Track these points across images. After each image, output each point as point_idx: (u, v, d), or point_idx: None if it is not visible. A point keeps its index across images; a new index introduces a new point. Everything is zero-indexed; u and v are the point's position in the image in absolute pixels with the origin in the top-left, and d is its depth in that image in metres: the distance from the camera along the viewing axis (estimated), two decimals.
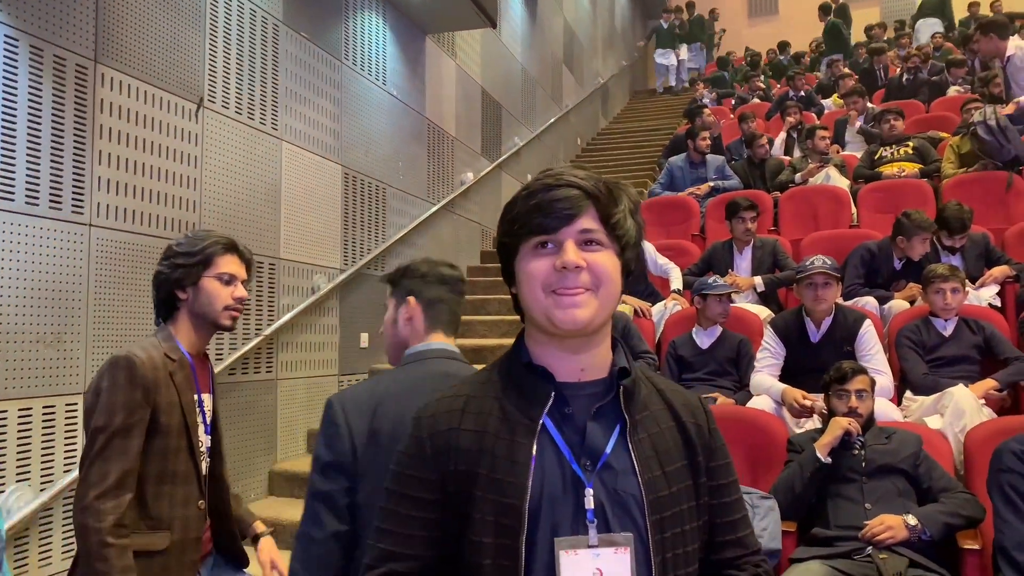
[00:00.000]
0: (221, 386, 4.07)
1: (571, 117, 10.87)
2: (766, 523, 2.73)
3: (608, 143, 11.58)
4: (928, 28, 11.90)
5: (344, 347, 5.32)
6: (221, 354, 4.15)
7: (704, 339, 4.04)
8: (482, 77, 7.85)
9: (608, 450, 1.03)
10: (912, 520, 2.52)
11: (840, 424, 2.75)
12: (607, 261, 1.02)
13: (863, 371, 2.93)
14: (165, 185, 3.81)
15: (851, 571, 2.49)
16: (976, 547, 2.51)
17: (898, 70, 9.39)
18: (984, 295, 4.17)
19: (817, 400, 3.42)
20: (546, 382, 1.05)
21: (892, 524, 2.50)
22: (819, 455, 2.72)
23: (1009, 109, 5.23)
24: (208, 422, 2.15)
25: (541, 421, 1.04)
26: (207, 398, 2.16)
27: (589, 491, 1.01)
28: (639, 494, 1.01)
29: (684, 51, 14.48)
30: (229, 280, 2.10)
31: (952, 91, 8.59)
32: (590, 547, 0.99)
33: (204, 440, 2.12)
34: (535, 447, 1.02)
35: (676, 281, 4.93)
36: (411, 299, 1.82)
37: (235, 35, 4.35)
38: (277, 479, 4.49)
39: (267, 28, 4.63)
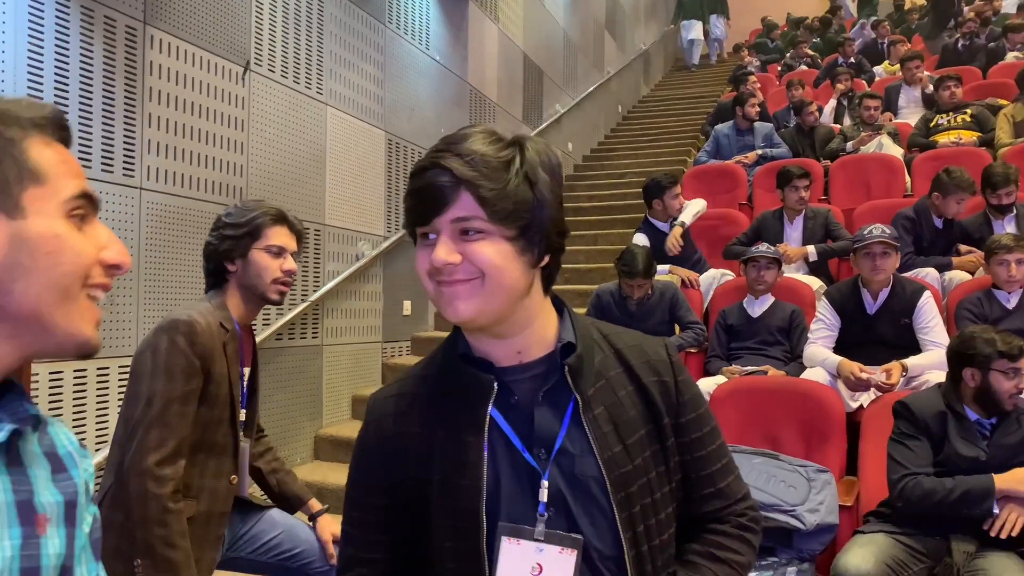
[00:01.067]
0: (268, 351, 4.10)
1: (612, 84, 10.68)
2: (823, 496, 2.68)
3: (650, 111, 11.37)
4: None
5: (388, 314, 5.32)
6: (268, 319, 4.17)
7: (755, 308, 3.96)
8: (524, 41, 7.72)
9: (561, 434, 0.98)
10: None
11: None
12: (489, 250, 0.91)
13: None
14: (212, 149, 3.80)
15: (919, 547, 2.42)
16: None
17: (956, 36, 9.04)
18: None
19: (874, 373, 3.34)
20: (485, 372, 0.99)
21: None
22: (995, 486, 2.43)
23: None
24: (243, 397, 2.12)
25: (488, 414, 0.98)
26: (247, 372, 2.14)
27: (544, 483, 0.96)
28: (599, 475, 0.96)
29: (716, 23, 13.49)
30: (278, 252, 2.05)
31: (1011, 57, 8.26)
32: (535, 540, 0.95)
33: (240, 415, 2.09)
34: (485, 444, 0.97)
35: (686, 213, 4.83)
36: None
37: None
38: (323, 444, 4.53)
39: None
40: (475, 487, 0.96)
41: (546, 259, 0.99)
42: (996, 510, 2.38)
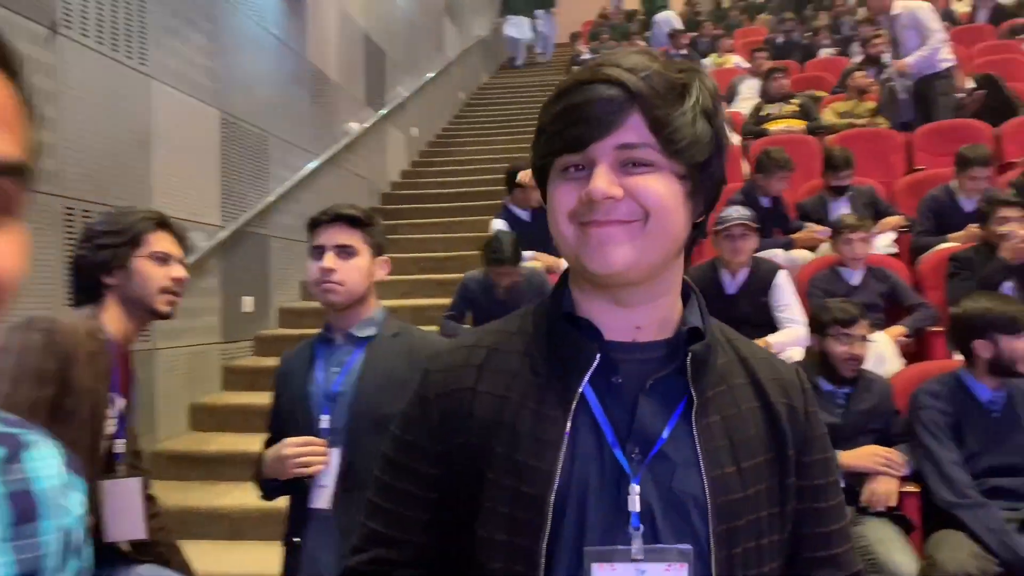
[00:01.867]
0: None
1: (453, 70, 10.51)
2: None
3: (492, 98, 11.31)
4: None
5: (226, 312, 4.85)
6: None
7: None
8: (365, 20, 7.36)
9: (665, 435, 0.80)
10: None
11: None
12: (659, 186, 0.76)
13: (865, 316, 2.83)
14: None
15: None
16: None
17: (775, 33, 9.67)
18: (881, 244, 4.31)
19: None
20: (590, 340, 0.82)
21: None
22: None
23: (901, 67, 5.41)
24: (120, 427, 1.84)
25: (580, 390, 0.80)
26: (119, 399, 1.84)
27: (635, 487, 0.78)
28: (702, 495, 0.78)
29: (543, 18, 12.61)
30: (164, 259, 1.85)
31: (822, 53, 8.94)
32: (633, 560, 0.77)
33: (116, 445, 1.83)
34: (569, 424, 0.79)
35: None
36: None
37: None
38: (159, 461, 4.03)
39: None
40: (547, 471, 0.78)
41: (703, 216, 0.83)
42: (843, 483, 2.49)
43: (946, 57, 5.56)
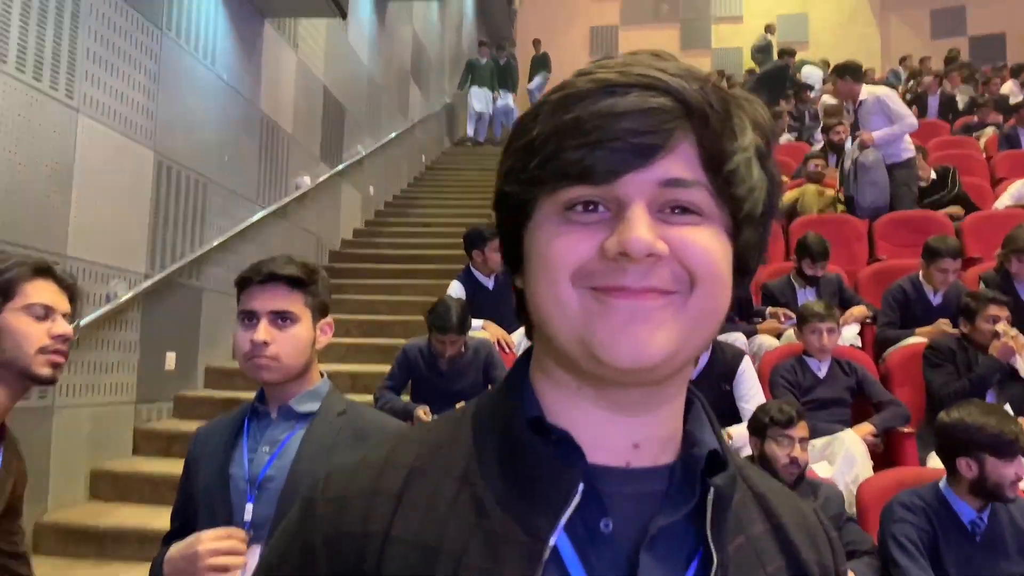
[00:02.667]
0: None
1: (417, 131, 10.38)
2: None
3: (456, 162, 11.22)
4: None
5: (145, 369, 4.44)
6: None
7: None
8: (325, 74, 7.17)
9: None
10: None
11: None
12: (712, 244, 0.54)
13: (805, 416, 2.66)
14: None
15: None
16: None
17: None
18: (846, 335, 4.11)
19: None
20: (569, 464, 0.55)
21: None
22: None
23: (867, 138, 5.36)
24: None
25: (552, 542, 0.53)
26: None
27: None
28: None
29: (504, 97, 12.25)
30: (44, 314, 1.55)
31: (783, 139, 9.03)
32: None
33: None
34: None
35: None
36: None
37: None
38: (46, 534, 3.57)
39: None
40: None
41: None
42: None
43: (908, 147, 5.55)
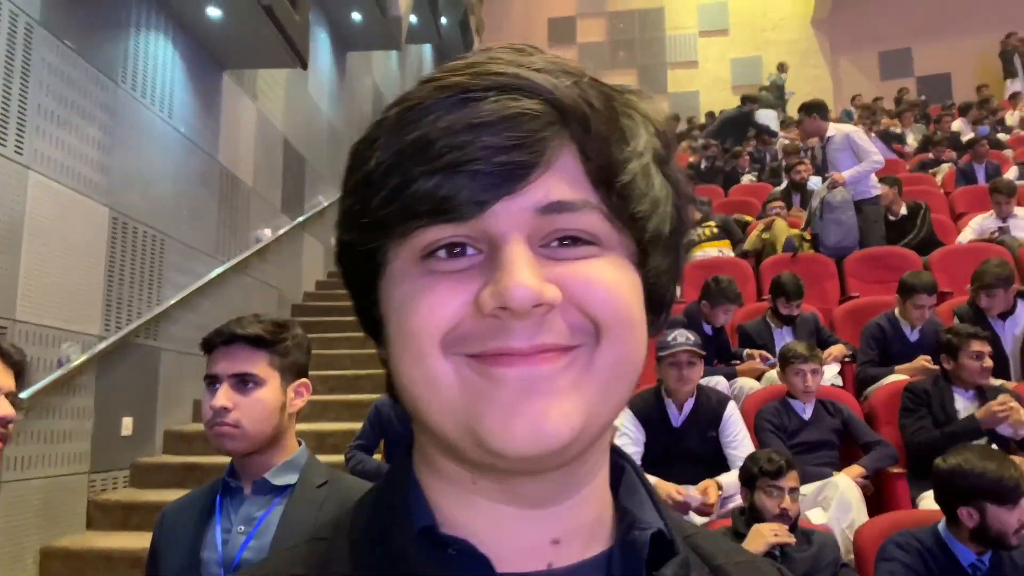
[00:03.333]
0: None
1: None
2: None
3: None
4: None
5: (100, 436, 4.20)
6: None
7: None
8: (285, 125, 7.06)
9: None
10: None
11: (767, 540, 2.30)
12: (614, 278, 0.43)
13: (794, 465, 2.57)
14: None
15: None
16: None
17: (698, 158, 9.87)
18: (827, 374, 4.05)
19: (691, 494, 3.02)
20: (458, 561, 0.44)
21: None
22: None
23: (839, 178, 5.38)
24: None
25: None
26: None
27: None
28: None
29: None
30: None
31: (745, 179, 9.13)
32: None
33: None
34: None
35: None
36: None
37: None
38: None
39: (16, 26, 3.63)
40: None
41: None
42: None
43: (875, 184, 5.60)
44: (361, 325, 0.49)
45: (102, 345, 4.13)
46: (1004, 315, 4.08)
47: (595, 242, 0.42)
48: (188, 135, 5.25)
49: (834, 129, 5.59)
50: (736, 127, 10.65)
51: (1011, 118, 10.63)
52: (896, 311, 4.19)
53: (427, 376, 0.42)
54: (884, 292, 4.86)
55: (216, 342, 1.48)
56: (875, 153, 5.52)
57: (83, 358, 3.95)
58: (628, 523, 0.47)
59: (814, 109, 5.59)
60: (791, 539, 2.36)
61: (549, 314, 0.40)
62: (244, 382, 1.45)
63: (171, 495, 1.58)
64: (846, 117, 11.05)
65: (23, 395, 3.50)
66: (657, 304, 0.47)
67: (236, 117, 6.02)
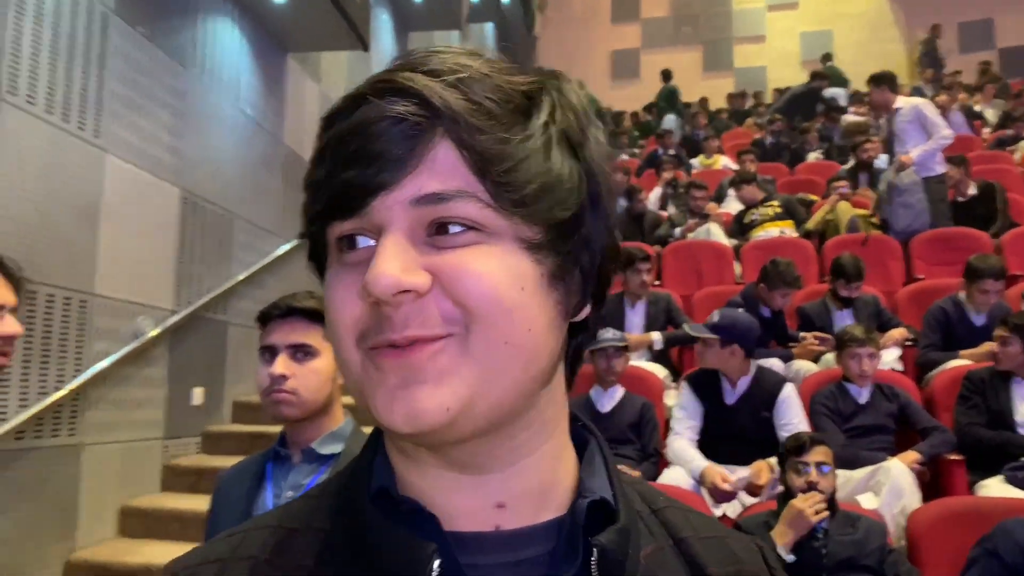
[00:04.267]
0: (2, 456, 3.15)
1: None
2: None
3: None
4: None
5: (172, 405, 4.42)
6: (5, 413, 3.22)
7: (604, 402, 3.56)
8: None
9: None
10: None
11: (805, 515, 2.30)
12: (488, 266, 0.45)
13: (824, 441, 2.57)
14: None
15: None
16: None
17: (763, 134, 9.66)
18: (886, 359, 3.98)
19: (737, 481, 3.03)
20: (422, 537, 0.47)
21: None
22: (781, 553, 2.25)
23: (906, 160, 5.21)
24: None
25: None
26: None
27: None
28: None
29: None
30: None
31: (811, 157, 8.89)
32: None
33: None
34: None
35: None
36: None
37: (50, 17, 3.51)
38: (75, 573, 3.53)
39: (93, 15, 3.81)
40: None
41: (586, 309, 0.52)
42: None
43: (941, 161, 5.41)
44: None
45: (174, 319, 4.34)
46: None
47: (477, 228, 0.45)
48: (254, 117, 5.42)
49: (903, 101, 5.41)
50: (804, 103, 10.37)
51: None
52: (962, 295, 4.07)
53: (344, 362, 0.47)
54: (951, 274, 4.71)
55: (273, 315, 1.55)
56: (944, 127, 5.32)
57: (156, 331, 4.16)
58: (579, 489, 0.51)
59: (883, 80, 5.41)
60: (816, 513, 2.33)
61: (421, 301, 0.44)
62: (301, 352, 1.52)
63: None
64: (917, 94, 10.62)
65: (104, 364, 3.73)
66: (578, 286, 0.49)
67: (300, 99, 6.18)
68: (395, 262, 0.43)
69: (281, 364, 1.51)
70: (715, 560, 0.54)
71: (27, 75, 3.36)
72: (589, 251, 0.49)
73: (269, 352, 1.54)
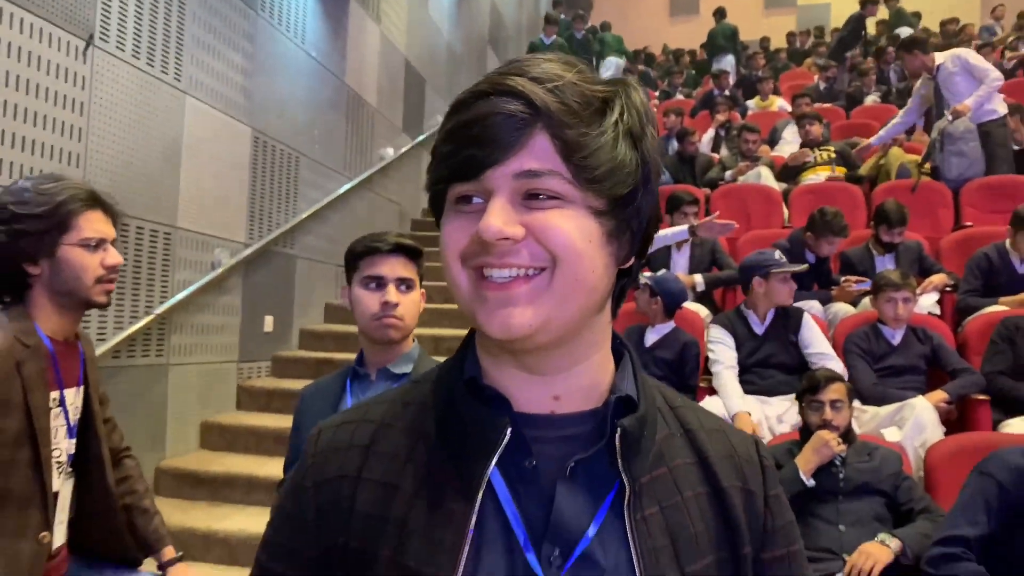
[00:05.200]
0: (102, 371, 3.52)
1: None
2: None
3: None
4: None
5: (246, 331, 4.79)
6: (104, 334, 3.59)
7: (651, 336, 3.78)
8: (406, 47, 7.37)
9: (591, 533, 0.65)
10: (894, 543, 2.31)
11: (828, 444, 2.51)
12: (568, 224, 0.62)
13: (838, 379, 2.73)
14: (45, 134, 3.22)
15: None
16: None
17: (820, 77, 9.49)
18: (924, 303, 4.09)
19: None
20: (499, 414, 0.67)
21: (873, 552, 2.29)
22: (803, 478, 2.48)
23: (963, 109, 5.17)
24: (73, 423, 1.69)
25: (486, 476, 0.65)
26: (72, 393, 1.70)
27: None
28: None
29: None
30: (97, 244, 1.65)
31: (869, 100, 8.73)
32: None
33: (66, 447, 1.67)
34: (473, 520, 0.65)
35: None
36: None
37: None
38: (165, 478, 3.95)
39: None
40: None
41: (632, 260, 0.70)
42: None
43: (1000, 103, 5.33)
44: None
45: (247, 251, 4.67)
46: None
47: (559, 197, 0.62)
48: (319, 59, 5.64)
49: (941, 57, 5.33)
50: (850, 39, 10.04)
51: None
52: (1007, 242, 4.13)
53: (454, 279, 0.65)
54: (1002, 223, 4.70)
55: (382, 249, 1.72)
56: (992, 70, 5.23)
57: (232, 262, 4.50)
58: (612, 389, 0.71)
59: (914, 45, 5.32)
60: (839, 444, 2.50)
61: (515, 246, 0.61)
62: (404, 285, 1.73)
63: (305, 385, 1.94)
64: (986, 35, 10.24)
65: (186, 292, 4.07)
66: (627, 243, 0.67)
67: (362, 40, 6.36)
68: (500, 217, 0.61)
69: (393, 293, 1.70)
70: (715, 447, 0.72)
71: (116, 22, 3.63)
72: (639, 218, 0.67)
73: (376, 282, 1.72)
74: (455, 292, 0.66)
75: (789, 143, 7.13)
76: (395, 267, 1.72)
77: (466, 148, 0.62)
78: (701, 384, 3.66)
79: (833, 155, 6.22)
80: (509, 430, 0.65)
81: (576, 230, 0.62)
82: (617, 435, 0.66)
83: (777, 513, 0.73)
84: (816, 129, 6.32)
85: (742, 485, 0.71)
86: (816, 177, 6.04)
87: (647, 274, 3.84)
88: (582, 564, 0.64)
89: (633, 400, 0.69)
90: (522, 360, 0.67)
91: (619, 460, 0.66)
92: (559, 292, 0.62)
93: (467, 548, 0.63)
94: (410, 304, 1.73)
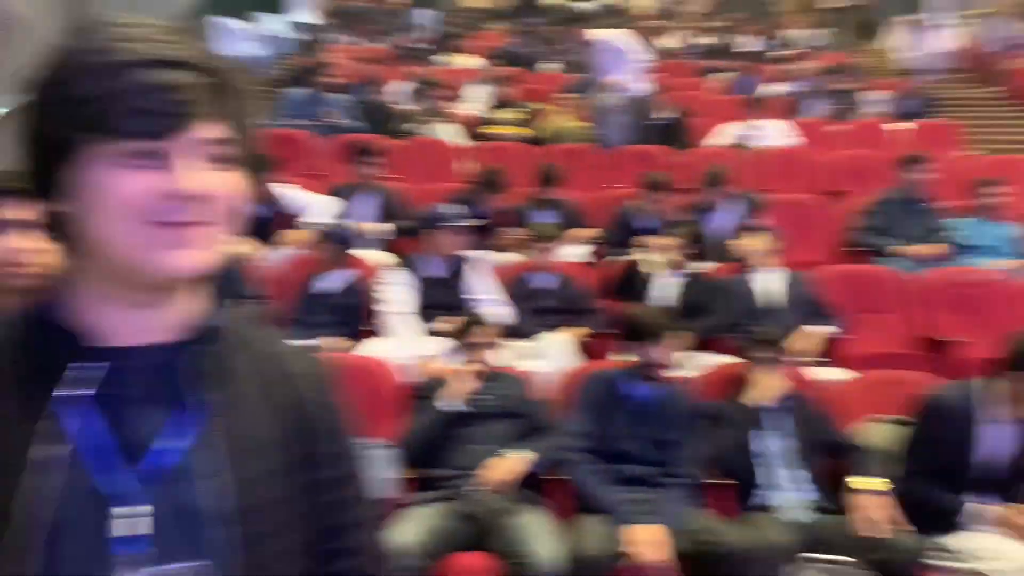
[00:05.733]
0: None
1: None
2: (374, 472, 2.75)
3: None
4: None
5: None
6: None
7: (322, 283, 3.94)
8: None
9: (165, 446, 0.73)
10: (520, 457, 2.74)
11: (464, 376, 2.88)
12: (237, 185, 0.73)
13: (479, 323, 3.10)
14: None
15: (460, 510, 2.63)
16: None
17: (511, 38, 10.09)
18: (576, 252, 4.75)
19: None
20: (65, 346, 0.73)
21: (500, 464, 2.69)
22: (455, 404, 2.83)
23: (609, 82, 5.94)
24: None
25: (51, 406, 0.71)
26: None
27: (121, 510, 0.71)
28: (212, 506, 0.74)
29: None
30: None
31: (542, 67, 9.48)
32: None
33: None
34: (38, 446, 0.70)
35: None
36: None
37: None
38: None
39: None
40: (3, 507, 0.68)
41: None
42: None
43: (644, 84, 6.22)
44: (36, 183, 0.76)
45: None
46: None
47: (230, 160, 0.71)
48: None
49: (594, 35, 6.27)
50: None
51: None
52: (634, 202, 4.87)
53: (118, 229, 0.69)
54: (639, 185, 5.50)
55: None
56: (637, 53, 6.10)
57: None
58: (202, 323, 0.80)
59: (574, 22, 6.00)
60: (475, 377, 2.92)
61: (201, 203, 0.69)
62: None
63: None
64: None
65: None
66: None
67: None
68: (196, 178, 0.69)
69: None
70: (282, 366, 0.84)
71: None
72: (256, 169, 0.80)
73: None
74: (118, 241, 0.70)
75: (474, 100, 7.59)
76: None
77: (149, 111, 0.67)
78: (372, 327, 3.86)
79: (525, 117, 6.78)
80: (92, 363, 0.72)
81: (239, 188, 0.74)
82: (189, 360, 0.76)
83: (329, 417, 0.85)
84: (510, 90, 6.80)
85: (300, 395, 0.83)
86: (503, 135, 6.57)
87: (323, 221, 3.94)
88: (159, 474, 0.72)
89: (216, 329, 0.80)
90: (143, 295, 0.74)
91: (190, 381, 0.76)
92: (222, 239, 0.74)
93: (31, 472, 0.69)
94: None
